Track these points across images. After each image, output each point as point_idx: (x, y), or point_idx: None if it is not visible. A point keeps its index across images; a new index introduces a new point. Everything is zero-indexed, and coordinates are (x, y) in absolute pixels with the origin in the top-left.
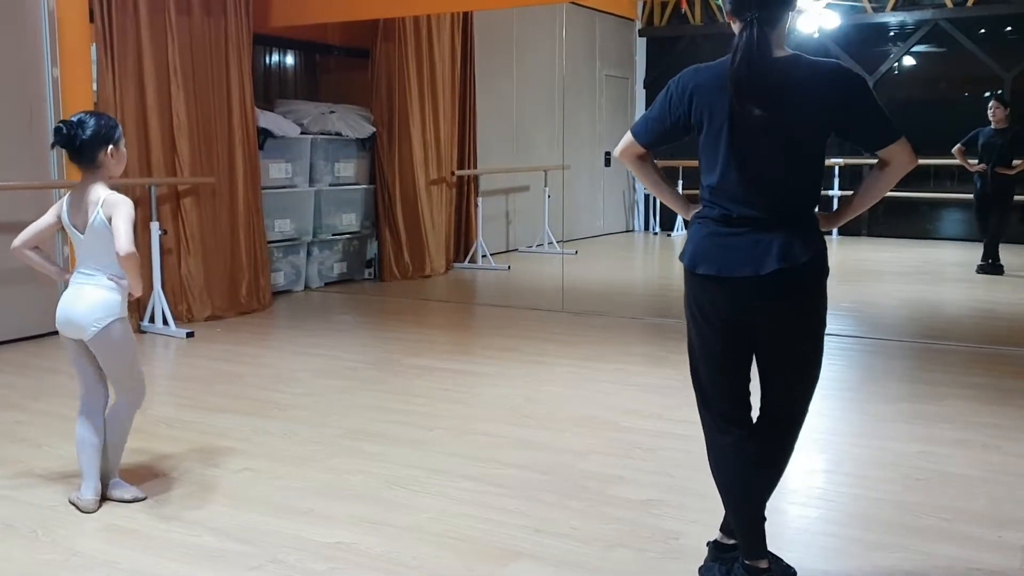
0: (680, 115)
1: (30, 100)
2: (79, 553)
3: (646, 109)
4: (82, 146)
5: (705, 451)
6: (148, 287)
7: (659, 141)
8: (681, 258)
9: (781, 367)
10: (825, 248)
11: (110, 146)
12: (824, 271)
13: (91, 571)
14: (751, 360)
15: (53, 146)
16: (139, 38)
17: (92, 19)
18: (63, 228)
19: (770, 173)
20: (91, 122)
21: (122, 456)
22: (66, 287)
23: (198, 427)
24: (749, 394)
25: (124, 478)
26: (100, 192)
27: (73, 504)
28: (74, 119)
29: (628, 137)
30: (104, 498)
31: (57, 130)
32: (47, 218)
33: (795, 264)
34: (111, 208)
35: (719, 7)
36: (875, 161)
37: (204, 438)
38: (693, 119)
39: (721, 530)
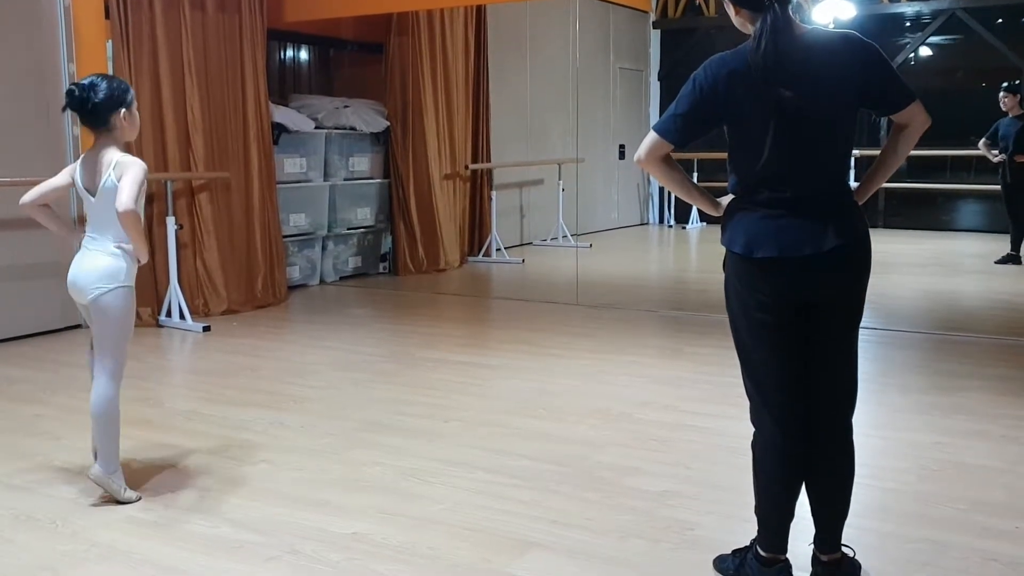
0: (716, 105)
1: (47, 96)
2: (98, 544)
3: (660, 102)
4: (94, 108)
5: (721, 443)
6: (164, 280)
7: (691, 137)
8: (731, 247)
9: (839, 344)
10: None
11: (123, 109)
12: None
13: (110, 562)
14: (806, 345)
15: (64, 109)
16: (154, 34)
17: (108, 15)
18: (75, 190)
19: (815, 150)
20: (103, 85)
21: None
22: (79, 247)
23: (215, 420)
24: (806, 390)
25: (142, 473)
26: (113, 155)
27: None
28: (85, 82)
29: (653, 138)
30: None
31: (69, 92)
32: (60, 178)
33: (853, 238)
34: (123, 169)
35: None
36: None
37: (221, 431)
38: (730, 108)
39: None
